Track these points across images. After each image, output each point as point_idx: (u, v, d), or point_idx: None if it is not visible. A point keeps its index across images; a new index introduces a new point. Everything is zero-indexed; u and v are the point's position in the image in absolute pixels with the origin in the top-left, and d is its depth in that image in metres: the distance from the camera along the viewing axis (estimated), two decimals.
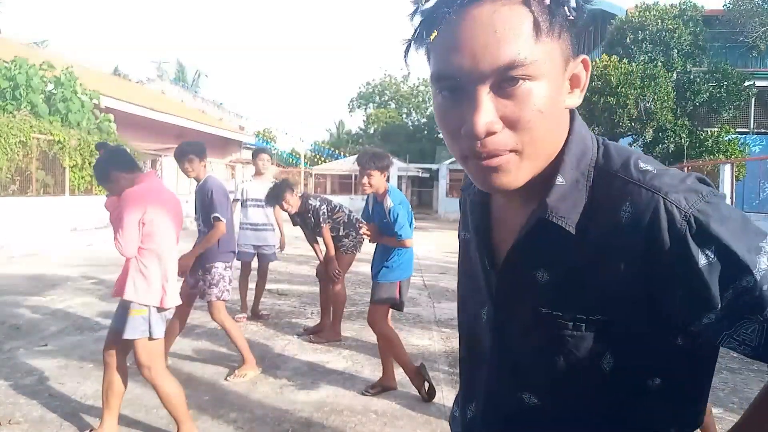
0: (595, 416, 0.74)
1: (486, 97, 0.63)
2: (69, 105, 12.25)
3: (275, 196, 4.72)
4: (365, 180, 3.63)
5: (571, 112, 0.74)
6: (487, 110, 0.63)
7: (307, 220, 4.81)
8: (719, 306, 0.64)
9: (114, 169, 2.84)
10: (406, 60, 0.72)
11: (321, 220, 4.67)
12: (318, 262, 5.14)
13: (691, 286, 0.65)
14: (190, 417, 2.89)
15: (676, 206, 0.65)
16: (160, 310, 2.80)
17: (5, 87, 11.06)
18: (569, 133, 0.73)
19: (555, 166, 0.71)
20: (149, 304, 2.76)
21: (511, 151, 0.65)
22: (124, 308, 2.78)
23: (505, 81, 0.63)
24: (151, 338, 2.77)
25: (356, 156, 3.88)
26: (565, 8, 0.65)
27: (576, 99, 0.71)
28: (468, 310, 0.89)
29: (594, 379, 0.73)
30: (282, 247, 5.99)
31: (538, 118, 0.64)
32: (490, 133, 0.64)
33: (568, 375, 0.74)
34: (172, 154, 4.26)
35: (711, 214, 0.64)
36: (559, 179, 0.71)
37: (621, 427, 0.74)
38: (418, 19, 0.68)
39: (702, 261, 0.63)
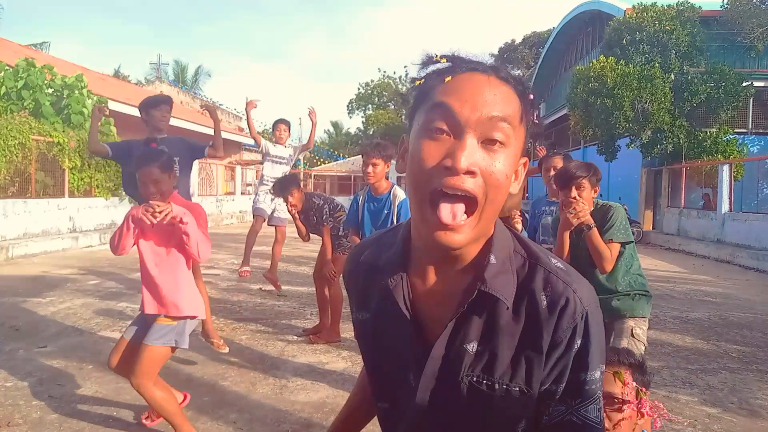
0: None
1: (473, 142, 0.77)
2: (75, 107, 12.32)
3: (283, 188, 4.71)
4: (369, 169, 3.61)
5: None
6: (473, 152, 0.76)
7: (309, 217, 4.82)
8: (564, 382, 0.83)
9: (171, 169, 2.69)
10: (408, 96, 0.87)
11: (323, 218, 4.67)
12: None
13: (561, 361, 0.82)
14: (186, 419, 2.84)
15: (579, 300, 0.83)
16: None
17: (11, 87, 11.08)
18: (495, 224, 0.87)
19: (486, 250, 0.85)
20: (200, 316, 2.76)
21: (471, 198, 0.77)
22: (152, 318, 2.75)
23: (488, 140, 0.77)
24: (176, 347, 2.76)
25: (360, 147, 3.91)
26: (535, 113, 0.83)
27: (516, 187, 0.86)
28: (389, 375, 0.95)
29: None
30: None
31: (503, 179, 0.79)
32: (469, 172, 0.75)
33: None
34: (138, 107, 4.34)
35: (594, 316, 0.84)
36: (492, 259, 0.84)
37: None
38: (431, 68, 0.84)
39: (576, 345, 0.82)
